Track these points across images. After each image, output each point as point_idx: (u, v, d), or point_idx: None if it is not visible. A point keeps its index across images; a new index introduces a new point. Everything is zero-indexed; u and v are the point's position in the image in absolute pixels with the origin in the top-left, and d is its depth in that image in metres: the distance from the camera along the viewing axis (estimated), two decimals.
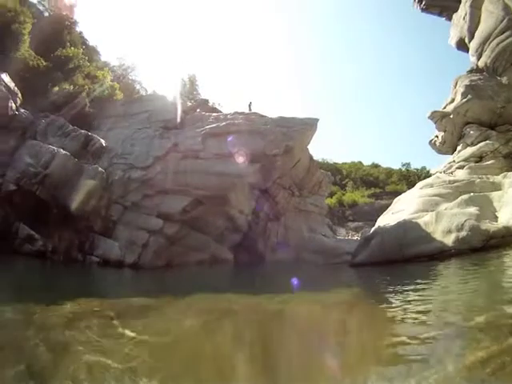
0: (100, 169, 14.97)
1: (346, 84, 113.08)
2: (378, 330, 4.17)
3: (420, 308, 4.60)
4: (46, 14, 32.33)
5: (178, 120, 16.72)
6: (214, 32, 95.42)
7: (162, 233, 14.19)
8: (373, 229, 15.67)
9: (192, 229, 14.77)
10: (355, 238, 27.74)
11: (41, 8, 32.75)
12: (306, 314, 5.49)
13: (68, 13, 28.83)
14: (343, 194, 38.96)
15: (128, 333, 4.13)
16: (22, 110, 15.74)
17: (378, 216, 18.47)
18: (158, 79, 75.37)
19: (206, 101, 20.48)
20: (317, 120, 19.14)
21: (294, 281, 14.26)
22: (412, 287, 6.29)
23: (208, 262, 14.71)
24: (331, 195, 24.81)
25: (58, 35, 27.11)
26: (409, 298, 5.28)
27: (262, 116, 17.50)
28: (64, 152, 14.47)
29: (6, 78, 15.51)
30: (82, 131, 16.46)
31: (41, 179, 13.74)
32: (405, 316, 4.29)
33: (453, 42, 21.26)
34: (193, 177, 14.50)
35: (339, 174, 37.79)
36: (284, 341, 4.21)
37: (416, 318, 4.13)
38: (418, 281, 6.80)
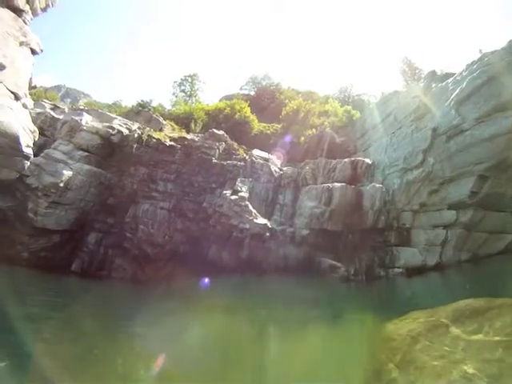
0: (377, 185, 15.67)
1: None
2: None
3: None
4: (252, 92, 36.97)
5: (419, 105, 15.90)
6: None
7: (458, 223, 13.69)
8: None
9: (486, 209, 13.61)
10: None
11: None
12: None
13: None
14: None
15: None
16: (285, 168, 18.42)
17: None
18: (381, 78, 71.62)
19: (434, 72, 18.08)
20: None
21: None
22: None
23: None
24: None
25: (266, 102, 31.65)
26: None
27: (493, 52, 13.45)
28: (339, 184, 15.77)
29: (257, 152, 19.68)
30: (346, 160, 17.65)
31: (328, 215, 15.12)
32: None
33: None
34: (467, 153, 13.37)
35: None
36: None
37: None
38: None
